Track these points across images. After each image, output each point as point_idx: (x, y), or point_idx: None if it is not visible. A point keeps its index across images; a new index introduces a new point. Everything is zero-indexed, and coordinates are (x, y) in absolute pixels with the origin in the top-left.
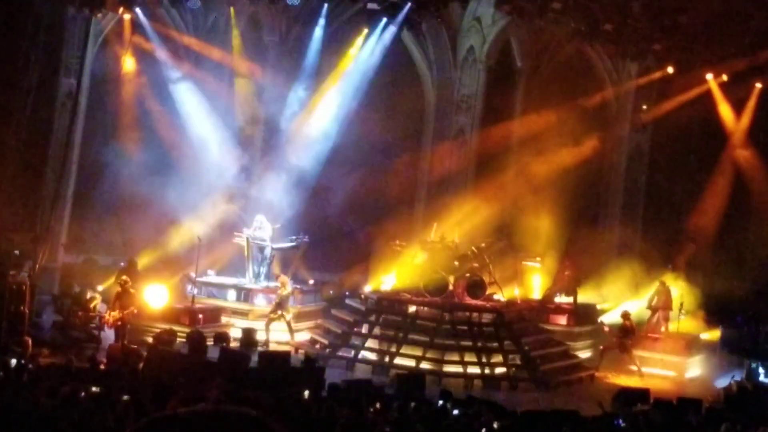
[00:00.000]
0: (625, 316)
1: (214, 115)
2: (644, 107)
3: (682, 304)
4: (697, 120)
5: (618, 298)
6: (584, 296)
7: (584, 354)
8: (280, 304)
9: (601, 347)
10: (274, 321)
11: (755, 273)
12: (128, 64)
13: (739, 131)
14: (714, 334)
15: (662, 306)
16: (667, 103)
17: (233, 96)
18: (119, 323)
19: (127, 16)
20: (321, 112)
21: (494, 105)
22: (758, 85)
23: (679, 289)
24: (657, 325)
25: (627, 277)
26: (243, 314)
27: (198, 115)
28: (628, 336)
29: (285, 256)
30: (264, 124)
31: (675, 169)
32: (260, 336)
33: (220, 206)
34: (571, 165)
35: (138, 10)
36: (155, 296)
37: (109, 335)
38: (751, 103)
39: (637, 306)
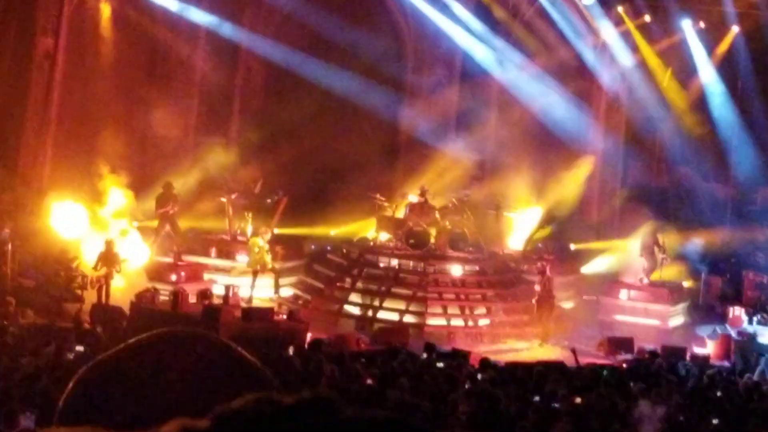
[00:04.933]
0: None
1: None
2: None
3: (665, 252)
4: (674, 65)
5: (606, 243)
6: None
7: (567, 304)
8: (260, 259)
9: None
10: (258, 275)
11: (735, 219)
12: (105, 20)
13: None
14: (696, 282)
15: (645, 253)
16: (645, 50)
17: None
18: (102, 282)
19: None
20: (300, 63)
21: (473, 56)
22: (735, 28)
23: (661, 237)
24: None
25: (610, 224)
26: (225, 271)
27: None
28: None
29: (265, 213)
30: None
31: (653, 117)
32: (243, 292)
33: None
34: (551, 114)
35: None
36: (137, 254)
37: (92, 294)
38: (724, 46)
39: (627, 250)
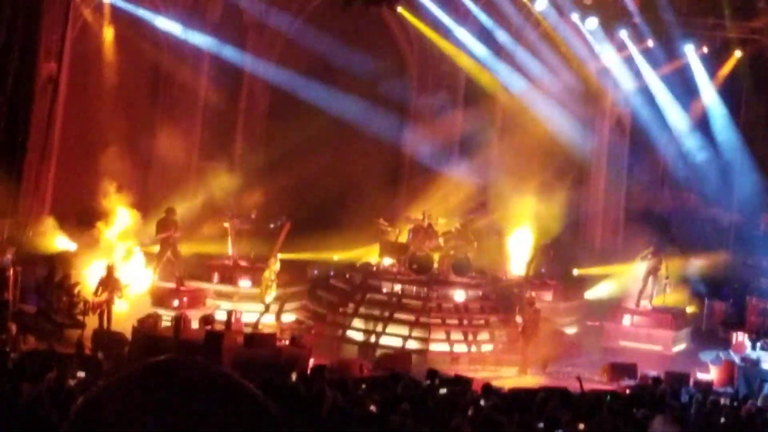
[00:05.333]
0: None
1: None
2: None
3: (668, 277)
4: (677, 89)
5: (609, 268)
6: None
7: (570, 330)
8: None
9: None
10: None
11: (739, 244)
12: (108, 46)
13: (711, 97)
14: (699, 307)
15: (649, 276)
16: (648, 75)
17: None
18: (104, 308)
19: (106, 0)
20: (303, 87)
21: (477, 79)
22: (738, 53)
23: (664, 262)
24: (642, 297)
25: (614, 249)
26: (227, 296)
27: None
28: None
29: (268, 238)
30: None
31: (657, 141)
32: (247, 318)
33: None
34: (555, 138)
35: None
36: (140, 278)
37: (94, 320)
38: (726, 68)
39: (630, 275)
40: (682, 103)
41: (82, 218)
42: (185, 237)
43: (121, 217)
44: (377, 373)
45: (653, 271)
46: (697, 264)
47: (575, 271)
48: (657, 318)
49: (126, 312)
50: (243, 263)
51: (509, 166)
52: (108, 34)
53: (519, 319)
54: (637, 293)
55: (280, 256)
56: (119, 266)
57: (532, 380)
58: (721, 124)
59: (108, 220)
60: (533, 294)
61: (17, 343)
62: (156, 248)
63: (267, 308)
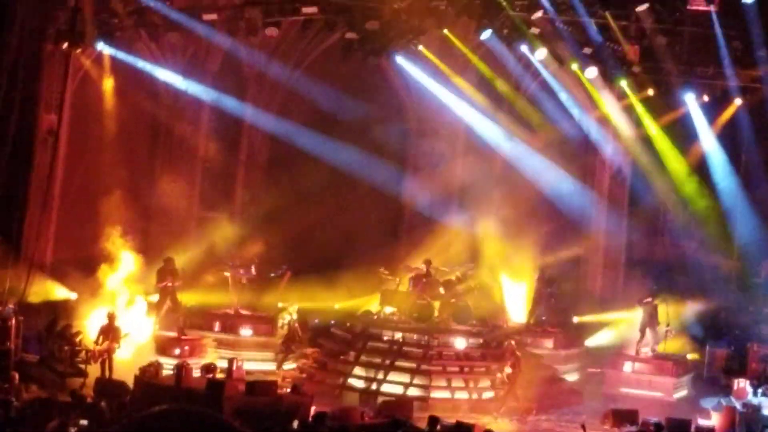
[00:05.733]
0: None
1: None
2: None
3: (669, 324)
4: (677, 138)
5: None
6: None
7: (571, 377)
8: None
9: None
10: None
11: (740, 291)
12: (109, 97)
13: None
14: (700, 354)
15: (647, 326)
16: (648, 124)
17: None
18: (105, 356)
19: (106, 51)
20: (303, 138)
21: (476, 129)
22: (738, 101)
23: (664, 309)
24: (641, 345)
25: (614, 297)
26: (229, 345)
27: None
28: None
29: (269, 287)
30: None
31: (657, 190)
32: (248, 366)
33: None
34: (555, 188)
35: (116, 44)
36: (141, 327)
37: (96, 369)
38: (726, 115)
39: (631, 323)
40: (682, 151)
41: (84, 266)
42: (187, 286)
43: (124, 262)
44: (378, 421)
45: (650, 319)
46: (697, 311)
47: (575, 319)
48: (658, 365)
49: (128, 360)
50: (244, 312)
51: (509, 215)
52: (108, 85)
53: (509, 369)
54: (636, 342)
55: (281, 304)
56: (120, 314)
57: (532, 427)
58: (721, 171)
59: (111, 265)
60: (513, 342)
61: (19, 392)
62: (156, 297)
63: (288, 350)
